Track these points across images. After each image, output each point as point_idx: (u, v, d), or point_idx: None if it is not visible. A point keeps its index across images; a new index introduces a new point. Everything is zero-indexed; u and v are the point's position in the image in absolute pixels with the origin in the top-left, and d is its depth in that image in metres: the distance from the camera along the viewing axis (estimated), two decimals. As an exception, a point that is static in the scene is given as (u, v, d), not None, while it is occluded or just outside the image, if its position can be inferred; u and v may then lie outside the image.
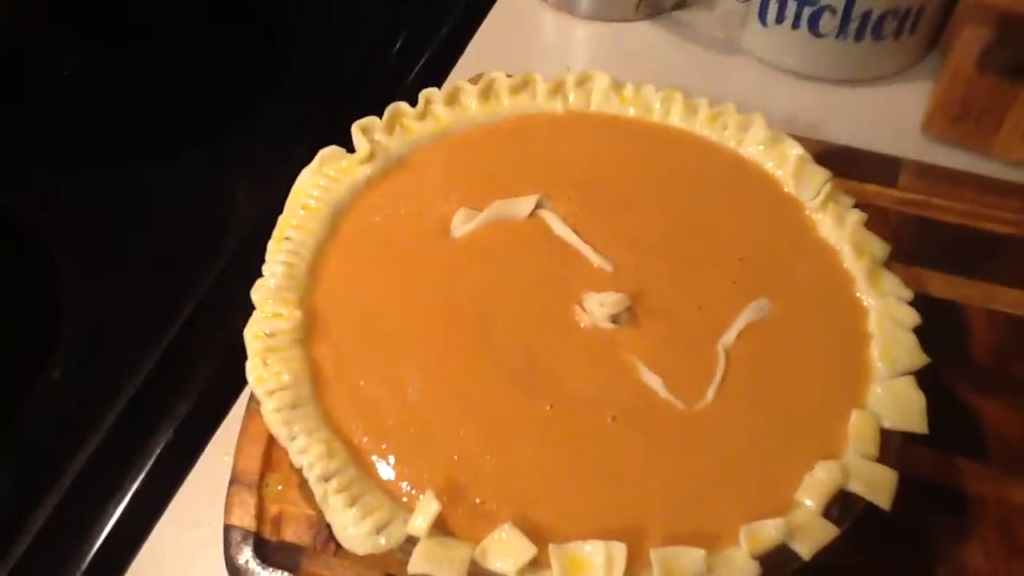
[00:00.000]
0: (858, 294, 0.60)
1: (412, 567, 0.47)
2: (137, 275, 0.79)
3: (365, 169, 0.66)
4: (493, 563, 0.48)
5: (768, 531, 0.48)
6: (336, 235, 0.63)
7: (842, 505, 0.50)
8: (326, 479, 0.51)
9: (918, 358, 0.56)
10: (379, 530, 0.49)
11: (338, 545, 0.52)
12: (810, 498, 0.50)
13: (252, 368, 0.55)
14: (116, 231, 0.82)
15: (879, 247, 0.61)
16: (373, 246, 0.63)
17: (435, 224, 0.64)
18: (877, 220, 0.65)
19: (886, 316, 0.58)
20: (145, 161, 0.89)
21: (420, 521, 0.49)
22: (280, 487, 0.59)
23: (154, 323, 0.74)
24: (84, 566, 0.63)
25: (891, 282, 0.60)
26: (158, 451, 0.67)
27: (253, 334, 0.57)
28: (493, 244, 0.63)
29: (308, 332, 0.58)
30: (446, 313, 0.59)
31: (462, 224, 0.63)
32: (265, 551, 0.57)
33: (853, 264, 0.61)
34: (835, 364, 0.57)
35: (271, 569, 0.56)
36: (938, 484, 0.59)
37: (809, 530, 0.49)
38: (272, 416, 0.53)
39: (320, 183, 0.65)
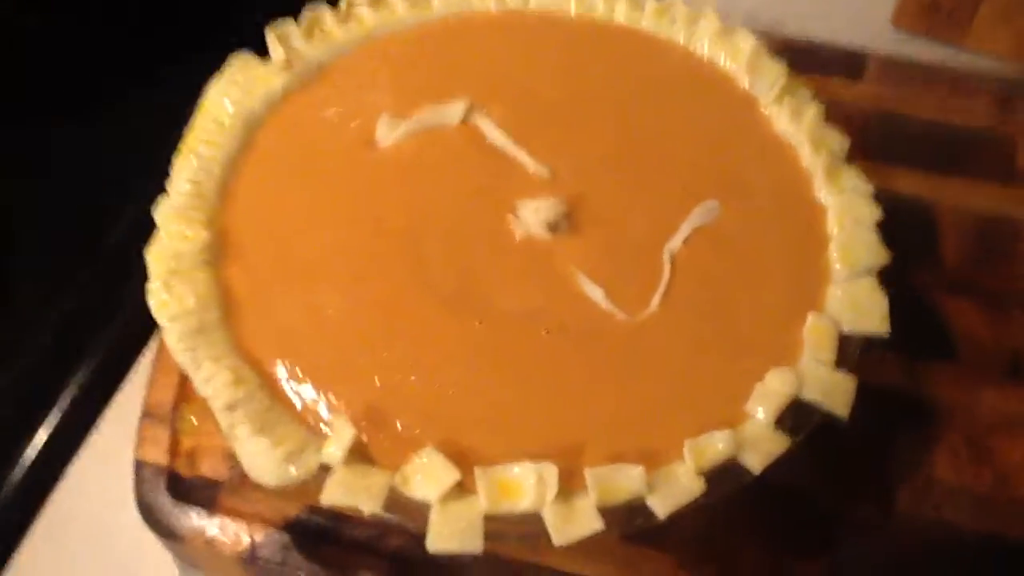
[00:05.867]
0: (816, 192, 0.55)
1: (325, 497, 0.43)
2: (54, 199, 0.73)
3: (281, 79, 0.60)
4: (414, 490, 0.44)
5: (715, 444, 0.44)
6: (250, 150, 0.58)
7: (796, 415, 0.46)
8: (232, 408, 0.46)
9: (879, 256, 0.51)
10: (290, 460, 0.45)
11: (258, 478, 0.48)
12: (761, 409, 0.46)
13: (153, 292, 0.51)
14: (32, 160, 0.76)
15: (838, 141, 0.57)
16: (291, 161, 0.58)
17: (358, 135, 0.59)
18: (840, 116, 0.60)
19: (846, 214, 0.53)
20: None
21: (334, 448, 0.44)
22: (195, 419, 0.55)
23: (72, 249, 0.69)
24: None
25: (851, 178, 0.55)
26: (75, 387, 0.63)
27: (155, 255, 0.52)
28: (421, 154, 0.58)
29: (218, 254, 0.53)
30: (370, 229, 0.54)
31: (387, 133, 0.58)
32: (179, 487, 0.53)
33: (811, 161, 0.56)
34: (790, 267, 0.52)
35: (186, 505, 0.52)
36: (903, 391, 0.55)
37: (759, 442, 0.45)
38: (175, 342, 0.49)
39: (233, 95, 0.59)
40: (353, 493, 0.43)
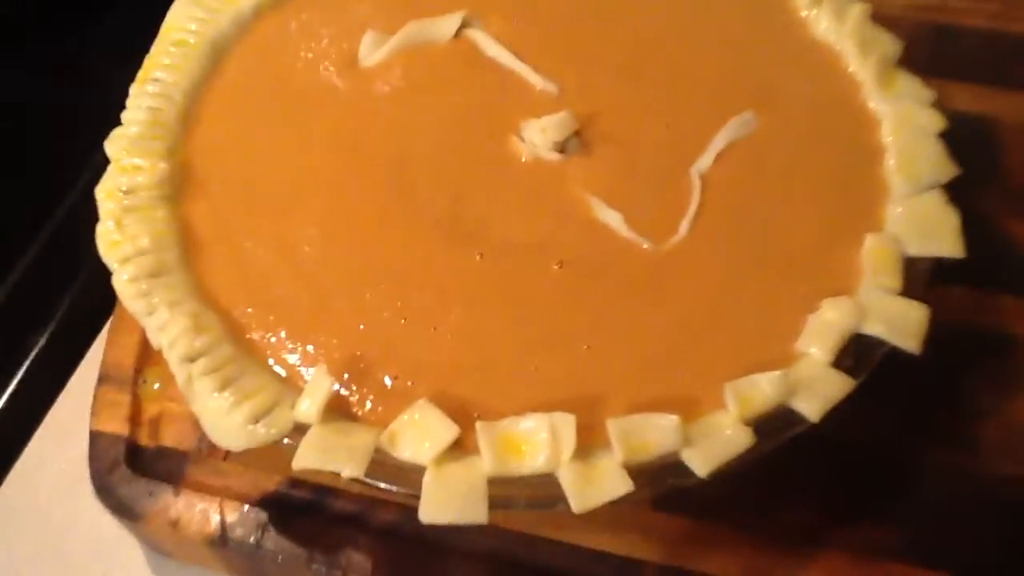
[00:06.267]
0: (866, 101, 0.48)
1: (298, 460, 0.36)
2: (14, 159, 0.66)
3: (253, -4, 0.53)
4: (404, 451, 0.37)
5: (762, 388, 0.37)
6: (217, 75, 0.51)
7: (857, 353, 0.39)
8: (191, 359, 0.39)
9: (946, 169, 0.44)
10: (258, 418, 0.38)
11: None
12: (815, 345, 0.39)
13: (103, 232, 0.44)
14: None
15: (889, 43, 0.49)
16: (264, 85, 0.51)
17: (339, 55, 0.51)
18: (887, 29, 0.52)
19: (903, 123, 0.46)
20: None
21: (308, 403, 0.37)
22: (159, 384, 0.48)
23: (30, 201, 0.62)
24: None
25: (907, 83, 0.48)
26: (33, 355, 0.56)
27: (107, 191, 0.45)
28: (410, 72, 0.50)
29: (179, 188, 0.46)
30: (353, 156, 0.47)
31: (371, 51, 0.51)
32: (140, 460, 0.46)
33: (859, 66, 0.49)
34: (840, 183, 0.45)
35: (147, 480, 0.45)
36: (976, 326, 0.47)
37: (816, 385, 0.38)
38: (126, 287, 0.42)
39: (198, 16, 0.52)
40: (331, 455, 0.36)
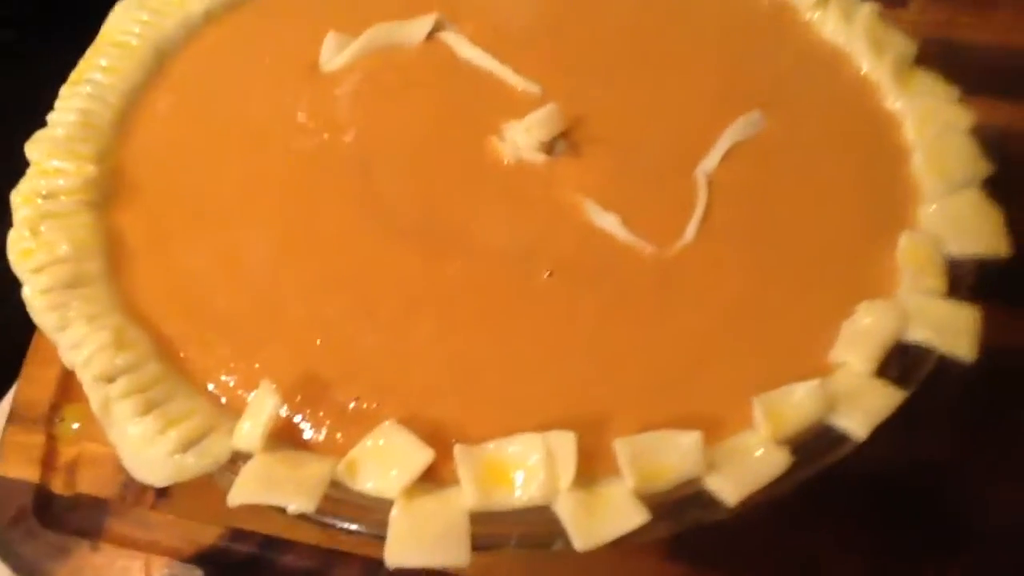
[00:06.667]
0: (882, 101, 0.43)
1: (235, 494, 0.30)
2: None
3: (203, 1, 0.48)
4: (365, 481, 0.30)
5: (796, 401, 0.31)
6: (161, 79, 0.46)
7: (903, 363, 0.33)
8: (110, 379, 0.33)
9: (980, 166, 0.39)
10: (188, 447, 0.31)
11: (160, 492, 0.34)
12: (853, 354, 0.33)
13: (15, 240, 0.38)
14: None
15: (903, 43, 0.45)
16: (213, 90, 0.46)
17: (298, 59, 0.47)
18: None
19: (928, 120, 0.41)
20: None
21: (250, 427, 0.31)
22: (79, 425, 0.41)
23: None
24: None
25: (927, 81, 0.44)
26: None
27: (23, 196, 0.39)
28: (377, 77, 0.46)
29: (109, 194, 0.41)
30: (312, 162, 0.42)
31: (334, 54, 0.46)
32: (51, 510, 0.38)
33: (873, 66, 0.44)
34: (863, 184, 0.40)
35: (57, 533, 0.37)
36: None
37: (859, 397, 0.32)
38: (38, 299, 0.35)
39: (142, 18, 0.48)
40: (276, 487, 0.30)
